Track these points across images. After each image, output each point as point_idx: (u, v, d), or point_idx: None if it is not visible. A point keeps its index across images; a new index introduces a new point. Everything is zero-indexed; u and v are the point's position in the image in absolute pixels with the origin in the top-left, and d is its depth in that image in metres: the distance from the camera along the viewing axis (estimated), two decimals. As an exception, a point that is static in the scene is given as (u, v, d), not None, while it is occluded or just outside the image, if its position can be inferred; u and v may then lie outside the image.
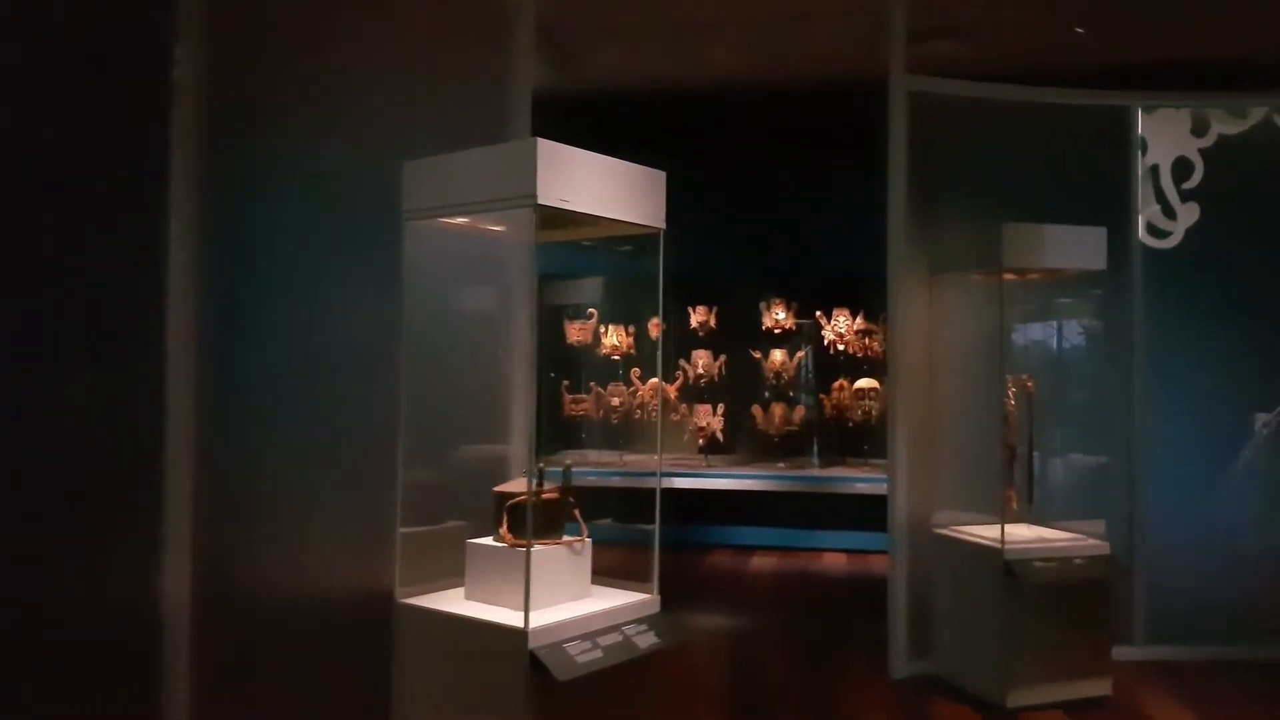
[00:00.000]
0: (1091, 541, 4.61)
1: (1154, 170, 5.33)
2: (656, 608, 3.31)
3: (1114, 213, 5.19)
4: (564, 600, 3.17)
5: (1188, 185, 5.31)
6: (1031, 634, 4.40)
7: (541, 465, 3.23)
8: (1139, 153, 5.32)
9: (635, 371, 8.56)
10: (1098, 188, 5.28)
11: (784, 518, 8.13)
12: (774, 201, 8.68)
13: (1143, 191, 5.32)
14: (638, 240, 3.58)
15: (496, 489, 3.28)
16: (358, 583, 3.37)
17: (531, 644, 2.84)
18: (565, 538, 3.25)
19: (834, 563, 7.75)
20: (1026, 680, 4.39)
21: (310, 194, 3.29)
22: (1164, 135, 5.34)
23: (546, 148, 2.97)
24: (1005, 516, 4.56)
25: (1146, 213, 5.30)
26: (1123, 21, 6.47)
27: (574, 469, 3.46)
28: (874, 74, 5.06)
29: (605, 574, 3.43)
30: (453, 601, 3.20)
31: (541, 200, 2.94)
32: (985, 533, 4.69)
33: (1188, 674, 4.94)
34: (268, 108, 3.15)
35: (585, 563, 3.29)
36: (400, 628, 3.20)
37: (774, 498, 8.15)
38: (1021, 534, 4.63)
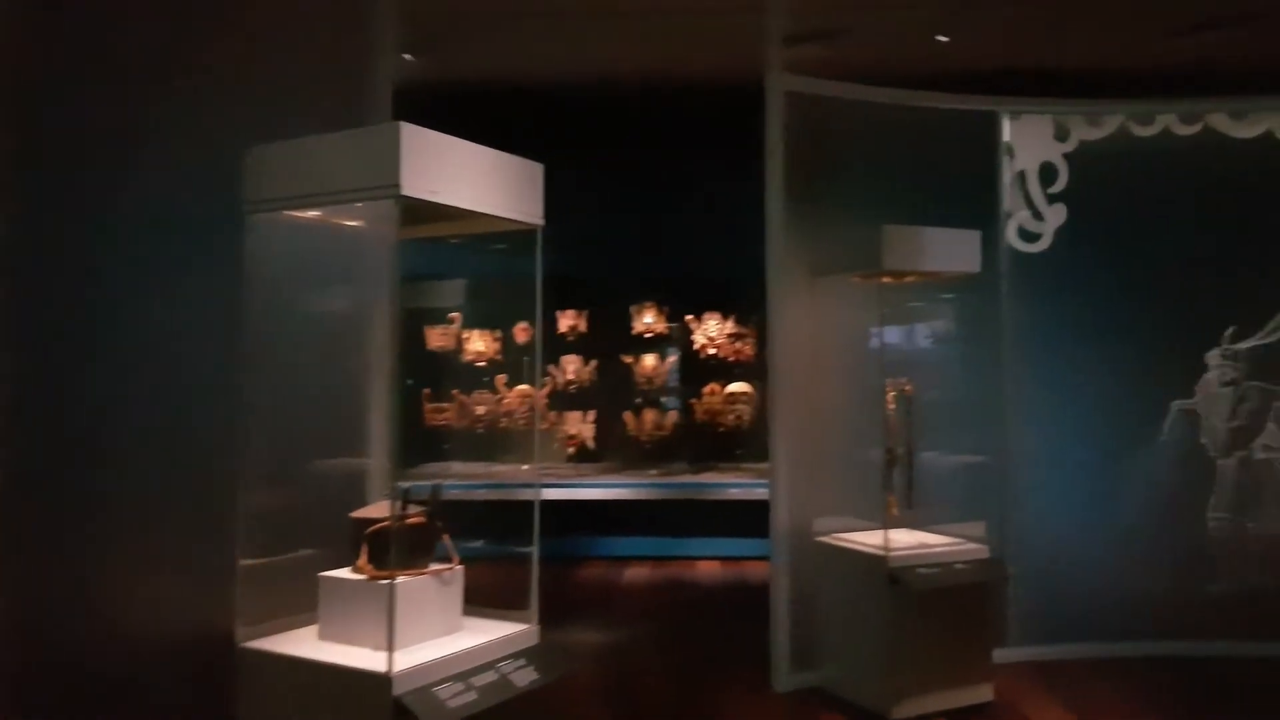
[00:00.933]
0: (972, 545, 4.58)
1: (1021, 175, 5.38)
2: (536, 639, 3.03)
3: (984, 216, 5.21)
4: (433, 636, 2.85)
5: (1053, 190, 5.38)
6: (916, 642, 4.33)
7: (407, 486, 2.90)
8: (1006, 157, 5.36)
9: (501, 378, 8.23)
10: (969, 191, 5.31)
11: (657, 526, 7.95)
12: (645, 202, 8.49)
13: (1012, 196, 5.36)
14: (510, 238, 3.31)
15: (354, 515, 2.93)
16: (190, 624, 2.96)
17: (396, 690, 2.52)
18: (433, 565, 2.94)
19: (709, 571, 7.62)
20: (912, 690, 4.31)
21: (136, 181, 2.87)
22: (1030, 141, 5.41)
23: (412, 133, 2.66)
24: (887, 522, 4.48)
25: (1017, 217, 5.35)
26: (987, 31, 6.60)
27: (438, 482, 3.14)
28: (750, 73, 4.93)
29: (478, 601, 3.13)
30: (304, 643, 2.83)
31: (406, 191, 2.63)
32: (867, 539, 4.60)
33: (1061, 673, 4.98)
34: (87, 80, 2.72)
35: (456, 593, 2.98)
36: (243, 675, 2.80)
37: (646, 506, 7.97)
38: (903, 539, 4.56)
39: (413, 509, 2.89)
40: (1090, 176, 5.37)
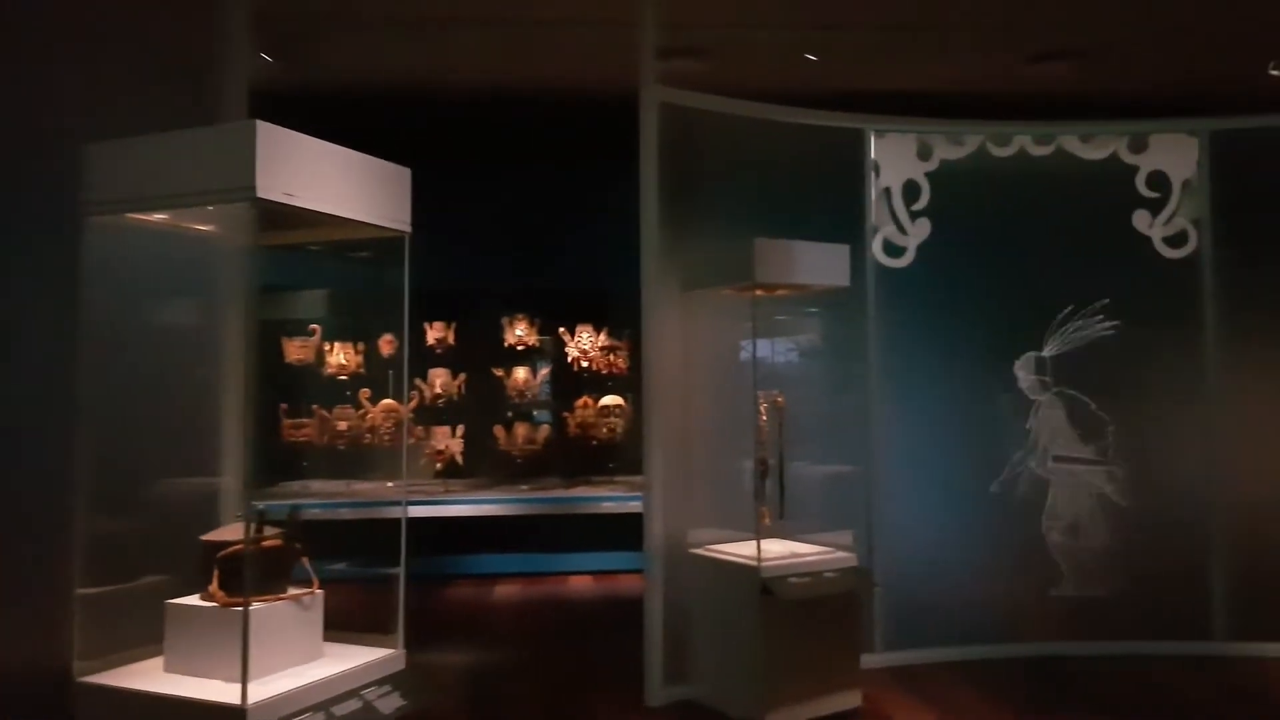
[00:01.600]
0: (841, 554, 4.65)
1: (887, 192, 5.53)
2: (402, 663, 2.90)
3: (852, 231, 5.33)
4: (291, 665, 2.69)
5: (916, 207, 5.55)
6: (787, 651, 4.36)
7: (262, 507, 2.73)
8: (872, 174, 5.51)
9: (365, 392, 7.94)
10: (838, 207, 5.42)
11: (528, 542, 7.82)
12: (518, 212, 8.37)
13: (878, 211, 5.50)
14: (376, 246, 3.19)
15: (205, 538, 2.74)
16: (22, 659, 2.71)
17: (251, 725, 2.35)
18: (291, 590, 2.77)
19: (581, 586, 7.54)
20: (783, 698, 4.33)
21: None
22: (894, 159, 5.57)
23: (268, 132, 2.52)
24: (759, 532, 4.51)
25: (883, 232, 5.49)
26: (853, 52, 6.79)
27: (296, 501, 2.98)
28: (625, 85, 4.91)
29: (341, 626, 2.98)
30: (149, 677, 2.63)
31: (262, 194, 2.48)
32: (740, 550, 4.62)
33: (925, 677, 5.11)
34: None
35: (316, 618, 2.82)
36: (80, 713, 2.58)
37: (517, 522, 7.82)
38: (775, 550, 4.60)
39: (268, 531, 2.73)
40: (951, 194, 5.57)
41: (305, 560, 2.79)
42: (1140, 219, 5.65)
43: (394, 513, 8.42)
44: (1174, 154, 5.67)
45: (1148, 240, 5.64)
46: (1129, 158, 5.69)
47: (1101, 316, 5.57)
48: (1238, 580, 5.44)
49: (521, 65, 7.05)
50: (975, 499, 5.56)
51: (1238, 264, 5.51)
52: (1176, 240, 5.63)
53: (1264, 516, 5.37)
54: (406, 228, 3.04)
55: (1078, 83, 7.18)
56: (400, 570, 3.01)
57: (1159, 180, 5.66)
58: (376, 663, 2.80)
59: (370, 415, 7.92)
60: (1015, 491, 5.58)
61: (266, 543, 2.69)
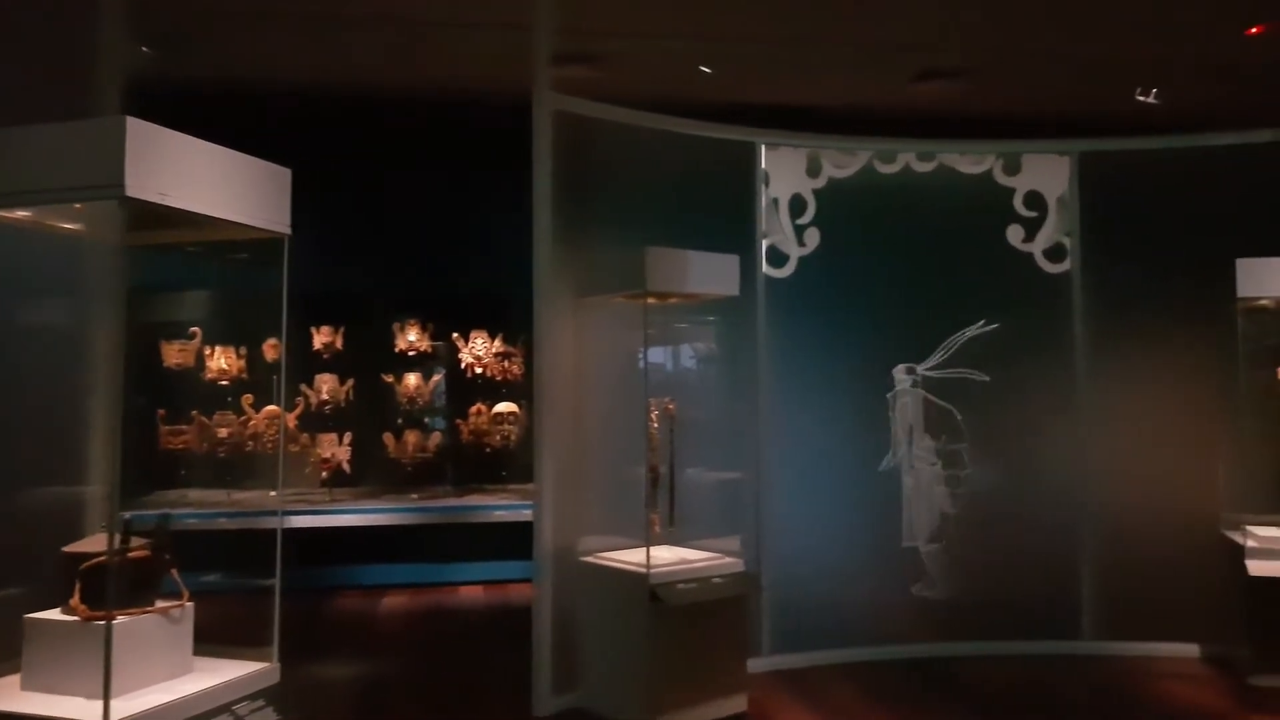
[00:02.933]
0: (728, 560, 4.71)
1: (775, 204, 5.65)
2: (276, 678, 2.81)
3: (742, 241, 5.42)
4: (159, 681, 2.59)
5: (802, 220, 5.67)
6: (675, 656, 4.39)
7: (129, 517, 2.61)
8: (763, 186, 5.61)
9: (247, 398, 7.70)
10: (729, 217, 5.50)
11: (417, 552, 7.67)
12: (410, 216, 8.22)
13: (767, 223, 5.60)
14: (255, 248, 3.10)
15: (66, 549, 2.61)
16: None
17: (112, 745, 2.25)
18: (160, 603, 2.66)
19: (471, 596, 7.44)
20: (672, 704, 4.36)
21: None
22: (784, 172, 5.68)
23: (140, 129, 2.43)
24: (649, 540, 4.53)
25: (769, 243, 5.60)
26: (746, 66, 6.92)
27: (173, 512, 2.87)
28: (519, 90, 4.89)
29: (214, 640, 2.88)
30: (5, 695, 2.49)
31: (132, 192, 2.39)
32: (630, 557, 4.64)
33: (811, 680, 5.21)
34: None
35: (185, 631, 2.72)
36: (-78, 738, 2.42)
37: (406, 531, 7.67)
38: (664, 556, 4.63)
39: (136, 541, 2.61)
40: (837, 208, 5.70)
41: (174, 572, 2.68)
42: (1015, 234, 5.89)
43: (275, 522, 8.15)
44: (1048, 173, 5.93)
45: (1025, 255, 5.89)
46: (1007, 176, 5.93)
47: (982, 326, 5.78)
48: (1104, 581, 5.71)
49: (415, 67, 6.97)
50: (859, 504, 5.70)
51: (1104, 279, 5.80)
52: (1054, 255, 5.89)
53: (1127, 520, 5.65)
54: (286, 229, 2.97)
55: (959, 102, 7.46)
56: (275, 581, 2.92)
57: (1035, 198, 5.91)
58: (249, 677, 2.71)
59: (253, 422, 7.68)
60: (896, 493, 5.75)
61: (133, 554, 2.58)
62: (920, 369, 5.79)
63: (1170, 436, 5.66)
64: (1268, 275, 5.14)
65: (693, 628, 4.41)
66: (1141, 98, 7.43)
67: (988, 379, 5.72)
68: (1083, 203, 5.87)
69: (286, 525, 7.21)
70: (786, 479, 5.53)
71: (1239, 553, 5.12)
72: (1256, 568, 5.04)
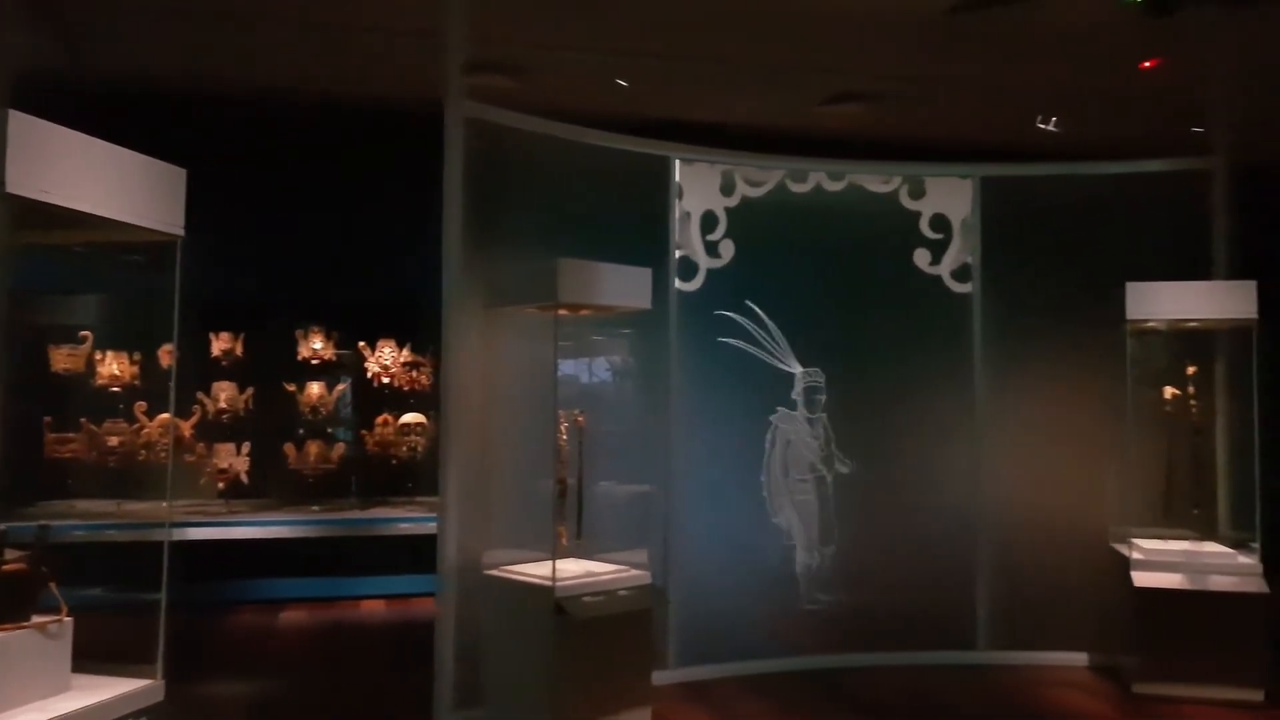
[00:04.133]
0: (635, 572, 4.69)
1: (687, 217, 5.68)
2: (160, 695, 2.69)
3: (656, 255, 5.44)
4: (35, 699, 2.45)
5: (713, 236, 5.72)
6: (580, 670, 4.34)
7: (3, 528, 2.48)
8: (676, 200, 5.64)
9: (140, 406, 7.41)
10: (643, 230, 5.51)
11: (318, 566, 7.46)
12: (316, 221, 8.00)
13: (680, 237, 5.63)
14: (147, 250, 2.99)
15: (-68, 562, 2.46)
16: None
17: (-22, 768, 2.12)
18: (37, 618, 2.53)
19: (373, 611, 7.27)
20: (576, 718, 4.31)
21: None
22: (697, 187, 5.73)
23: (23, 123, 2.32)
24: (556, 553, 4.49)
25: (682, 257, 5.63)
26: (663, 81, 6.97)
27: (56, 523, 2.73)
28: (431, 96, 4.82)
29: (96, 656, 2.74)
30: None
31: (13, 189, 2.28)
32: (536, 570, 4.58)
33: (715, 692, 5.23)
34: None
35: (64, 647, 2.58)
36: None
37: (307, 544, 7.46)
38: (571, 569, 4.59)
39: (11, 554, 2.47)
40: (749, 223, 5.77)
41: (53, 585, 2.54)
42: (920, 254, 6.05)
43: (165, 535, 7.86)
44: (952, 196, 6.10)
45: (929, 274, 6.04)
46: (913, 199, 6.08)
47: (882, 343, 5.91)
48: (999, 593, 5.87)
49: (325, 69, 6.83)
50: (765, 517, 5.76)
51: (1004, 300, 5.98)
52: (959, 275, 6.06)
53: (1021, 533, 5.82)
54: (179, 231, 2.86)
55: (868, 125, 7.64)
56: (161, 595, 2.80)
57: (940, 220, 6.07)
58: (132, 694, 2.58)
59: (146, 430, 7.39)
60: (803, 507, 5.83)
61: (8, 567, 2.44)
62: (813, 380, 5.89)
63: (1063, 452, 5.86)
64: (1155, 299, 5.38)
65: (598, 641, 4.37)
66: (1042, 125, 7.71)
67: (897, 390, 5.86)
68: (985, 225, 6.05)
69: (180, 538, 7.02)
70: (695, 491, 5.56)
71: (1126, 564, 5.32)
72: (1141, 579, 5.24)
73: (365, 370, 8.13)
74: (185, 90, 7.20)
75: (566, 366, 5.14)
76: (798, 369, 5.86)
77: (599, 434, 5.00)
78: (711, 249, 5.72)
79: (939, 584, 5.87)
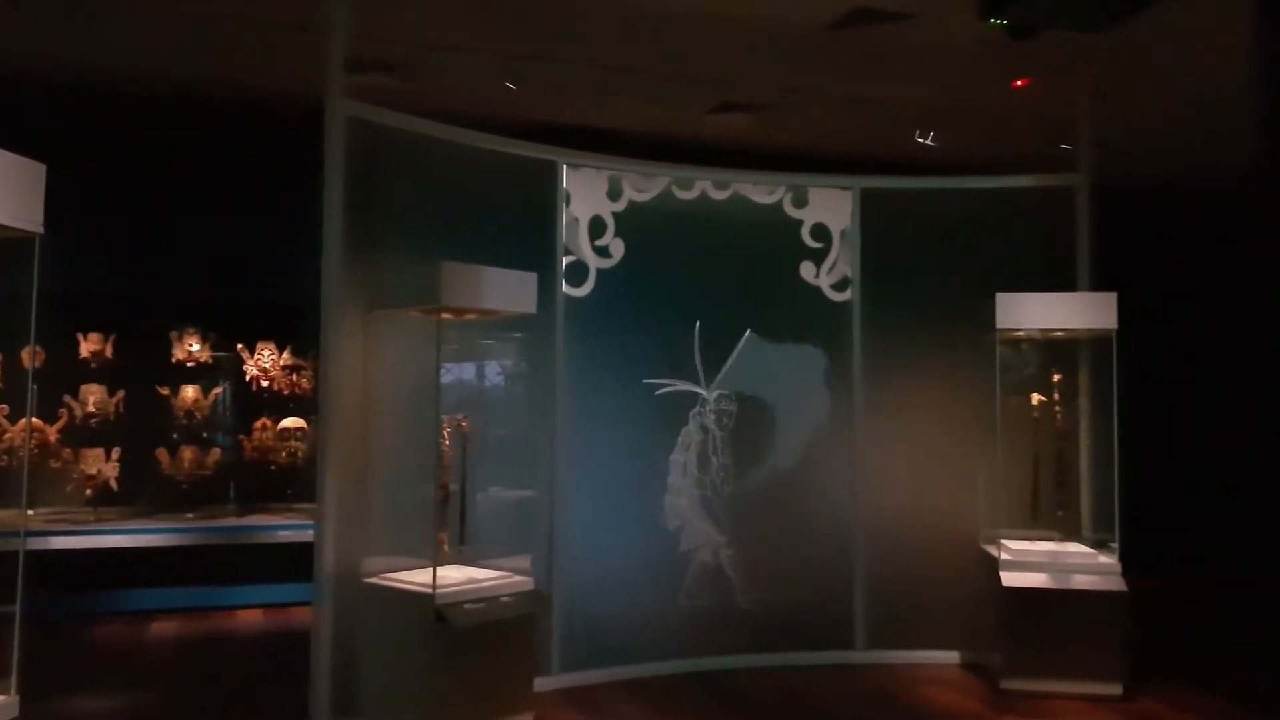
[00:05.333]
0: (518, 578, 4.67)
1: (575, 223, 5.68)
2: (14, 712, 2.56)
3: (543, 259, 5.43)
4: None
5: (601, 242, 5.74)
6: (461, 678, 4.30)
7: None
8: (564, 205, 5.63)
9: (2, 409, 7.02)
10: (530, 234, 5.49)
11: (192, 575, 7.18)
12: (193, 219, 7.70)
13: (568, 242, 5.63)
14: (5, 247, 2.87)
15: None
16: None
17: None
18: None
19: (250, 620, 7.04)
20: (455, 728, 4.27)
21: None
22: (584, 192, 5.73)
23: None
24: (437, 560, 4.43)
25: (570, 262, 5.62)
26: (551, 86, 6.95)
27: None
28: (312, 93, 4.70)
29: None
30: None
31: None
32: (416, 578, 4.51)
33: (598, 697, 5.24)
34: None
35: (-106, 669, 2.43)
36: None
37: (180, 553, 7.18)
38: (452, 576, 4.54)
39: None
40: (637, 229, 5.80)
41: (-119, 602, 2.39)
42: (805, 264, 6.18)
43: (32, 543, 7.49)
44: (833, 206, 6.25)
45: (812, 284, 6.18)
46: (795, 208, 6.20)
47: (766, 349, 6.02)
48: (876, 594, 6.03)
49: (202, 63, 6.60)
50: (650, 521, 5.80)
51: (881, 309, 6.15)
52: (838, 285, 6.20)
53: (898, 535, 6.01)
54: (38, 228, 2.74)
55: (754, 135, 7.77)
56: (16, 607, 2.67)
57: (821, 230, 6.21)
58: (-27, 716, 2.45)
59: (9, 435, 7.01)
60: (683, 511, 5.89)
61: None
62: (708, 389, 5.97)
63: (937, 457, 6.07)
64: (1023, 309, 5.61)
65: (479, 648, 4.34)
66: (921, 140, 7.97)
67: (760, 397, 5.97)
68: (864, 236, 6.22)
69: (44, 547, 6.68)
70: (582, 497, 5.56)
71: (995, 565, 5.53)
72: (1009, 579, 5.45)
73: (244, 373, 7.88)
74: (51, 80, 6.87)
75: (451, 371, 5.08)
76: (713, 393, 5.94)
77: (484, 439, 4.96)
78: (601, 253, 5.73)
79: (819, 585, 6.01)
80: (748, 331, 6.01)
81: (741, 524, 5.95)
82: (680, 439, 5.93)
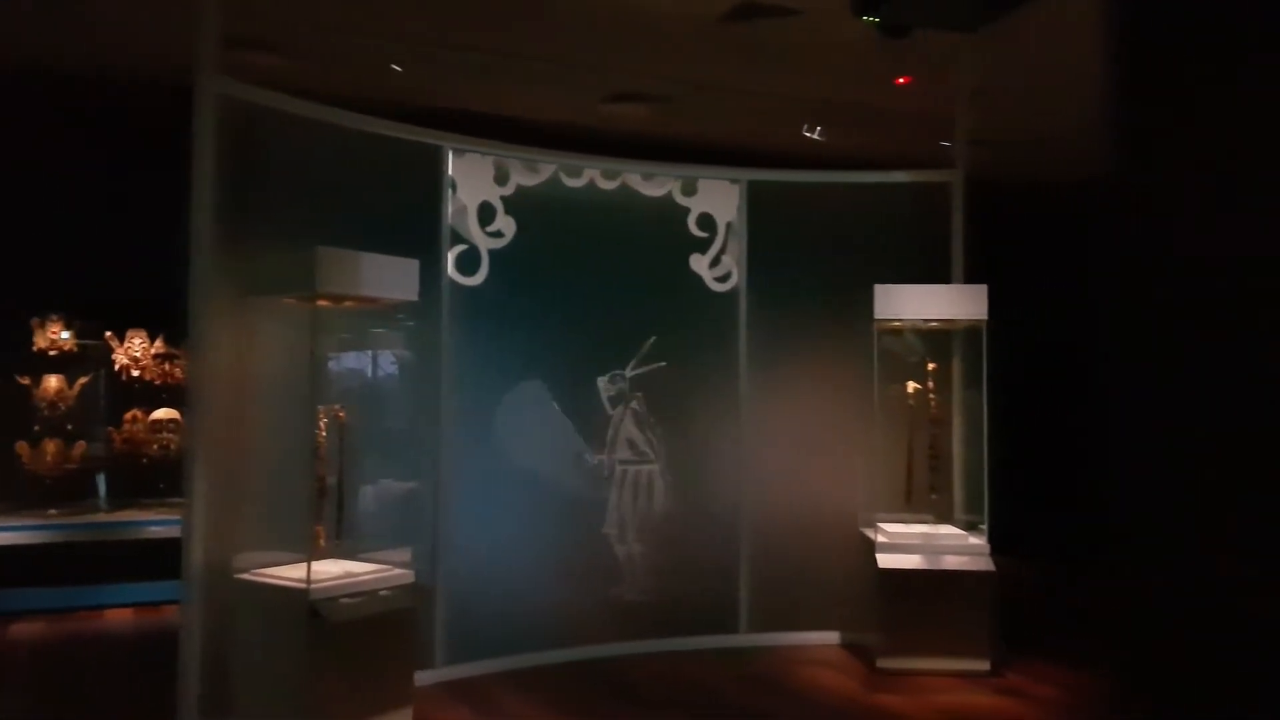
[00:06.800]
0: (397, 571, 4.59)
1: (463, 210, 5.60)
2: None
3: (427, 246, 5.33)
4: None
5: (491, 228, 5.67)
6: (337, 674, 4.21)
7: None
8: (450, 191, 5.55)
9: None
10: (414, 221, 5.39)
11: (56, 574, 6.82)
12: (53, 202, 7.30)
13: (455, 228, 5.55)
14: None
15: None
16: None
17: None
18: None
19: (119, 620, 6.74)
20: (331, 724, 4.18)
21: None
22: (471, 179, 5.65)
23: None
24: (313, 554, 4.33)
25: (457, 249, 5.54)
26: (439, 69, 6.82)
27: None
28: (181, 70, 4.50)
29: None
30: None
31: None
32: (291, 573, 4.39)
33: (482, 689, 5.20)
34: None
35: None
36: None
37: (43, 551, 6.82)
38: (329, 570, 4.44)
39: None
40: (527, 217, 5.76)
41: None
42: (690, 253, 6.23)
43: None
44: (720, 198, 6.32)
45: (698, 274, 6.24)
46: (684, 197, 6.25)
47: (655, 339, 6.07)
48: (760, 577, 6.15)
49: (62, 35, 6.26)
50: (543, 511, 5.78)
51: (766, 299, 6.26)
52: (723, 275, 6.28)
53: (781, 519, 6.13)
54: None
55: (647, 124, 7.79)
56: None
57: (707, 221, 6.28)
58: None
59: None
60: (582, 498, 5.90)
61: None
62: (626, 373, 5.99)
63: (819, 444, 6.22)
64: (900, 300, 5.78)
65: (356, 643, 4.26)
66: (808, 134, 8.12)
67: (672, 384, 6.04)
68: (750, 228, 6.30)
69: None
70: (472, 488, 5.50)
71: (872, 547, 5.69)
72: (885, 561, 5.62)
73: (113, 363, 7.53)
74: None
75: (332, 360, 4.97)
76: (604, 380, 5.97)
77: (365, 430, 4.85)
78: (490, 239, 5.66)
79: (706, 571, 6.10)
80: (638, 319, 6.04)
81: (630, 513, 5.98)
82: (574, 428, 5.92)
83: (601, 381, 6.02)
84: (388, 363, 5.43)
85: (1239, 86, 0.94)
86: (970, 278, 6.11)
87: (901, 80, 7.22)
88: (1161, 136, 1.07)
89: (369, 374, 5.32)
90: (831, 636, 6.17)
